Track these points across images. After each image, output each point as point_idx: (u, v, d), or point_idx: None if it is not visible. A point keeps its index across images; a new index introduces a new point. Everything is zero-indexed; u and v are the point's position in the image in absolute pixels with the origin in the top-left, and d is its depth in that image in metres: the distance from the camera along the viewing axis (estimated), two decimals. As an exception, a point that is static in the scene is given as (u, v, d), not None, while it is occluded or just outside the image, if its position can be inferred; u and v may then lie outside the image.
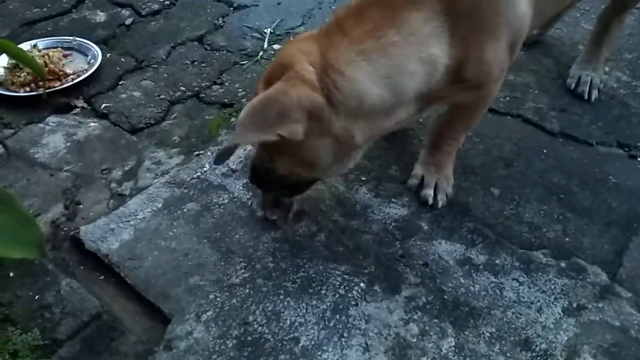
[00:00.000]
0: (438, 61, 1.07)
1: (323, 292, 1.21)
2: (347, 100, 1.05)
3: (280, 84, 1.04)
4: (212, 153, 1.54)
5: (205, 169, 1.49)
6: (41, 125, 1.65)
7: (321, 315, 1.17)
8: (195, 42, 2.01)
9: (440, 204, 1.39)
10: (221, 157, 1.07)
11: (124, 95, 1.77)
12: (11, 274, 1.21)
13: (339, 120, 1.07)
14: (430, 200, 1.39)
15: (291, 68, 1.05)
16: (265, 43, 2.00)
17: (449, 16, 1.04)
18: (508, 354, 1.11)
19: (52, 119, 1.67)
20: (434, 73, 1.08)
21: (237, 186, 1.44)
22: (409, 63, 1.06)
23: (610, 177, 1.49)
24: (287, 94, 1.02)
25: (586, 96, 1.73)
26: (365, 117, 1.09)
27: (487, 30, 1.10)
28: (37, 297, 1.18)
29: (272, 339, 1.13)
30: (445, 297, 1.21)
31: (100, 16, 2.14)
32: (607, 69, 1.83)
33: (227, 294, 1.20)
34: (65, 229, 1.35)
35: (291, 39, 1.17)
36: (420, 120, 1.62)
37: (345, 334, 1.14)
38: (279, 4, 2.24)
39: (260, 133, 1.03)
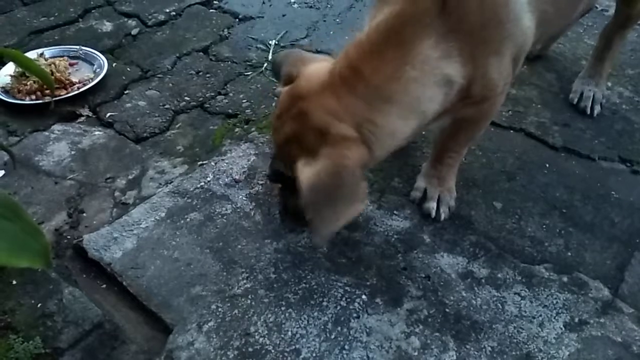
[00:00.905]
0: (453, 80, 1.09)
1: (325, 303, 1.21)
2: (383, 141, 1.09)
3: (335, 157, 1.04)
4: (215, 163, 1.55)
5: (208, 178, 1.50)
6: (46, 133, 1.66)
7: (322, 327, 1.17)
8: (201, 53, 2.03)
9: (442, 217, 1.39)
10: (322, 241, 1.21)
11: (129, 105, 1.78)
12: (14, 282, 1.21)
13: (372, 158, 1.11)
14: (433, 213, 1.39)
15: (327, 131, 1.05)
16: (270, 54, 2.01)
17: (456, 36, 1.06)
18: (509, 369, 1.11)
19: (57, 127, 1.68)
20: (449, 92, 1.10)
21: (240, 196, 1.45)
22: (428, 91, 1.08)
23: (613, 192, 1.50)
24: (347, 168, 1.04)
25: (589, 111, 1.74)
26: (391, 145, 1.13)
27: (492, 47, 1.11)
28: (39, 305, 1.18)
29: (273, 350, 1.13)
30: (447, 310, 1.21)
31: (107, 26, 2.16)
32: (609, 84, 1.84)
33: (228, 304, 1.20)
34: (69, 237, 1.36)
35: (298, 86, 1.13)
36: (423, 132, 1.63)
37: (346, 347, 1.14)
38: (284, 15, 2.26)
39: (355, 208, 1.08)
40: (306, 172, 1.05)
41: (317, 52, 1.96)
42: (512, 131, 1.69)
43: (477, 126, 1.34)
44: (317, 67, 1.14)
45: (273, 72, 1.35)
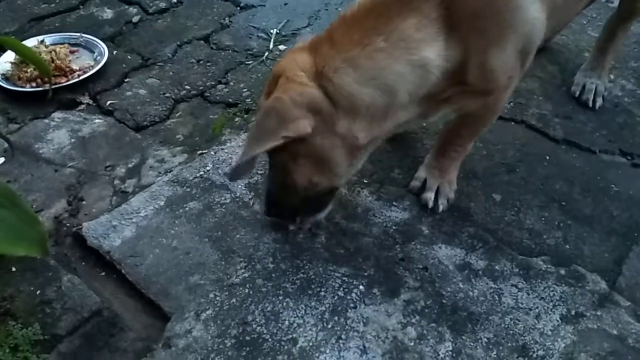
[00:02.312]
0: (430, 64, 1.08)
1: (322, 293, 1.22)
2: (340, 100, 1.08)
3: (274, 94, 1.09)
4: (215, 152, 1.55)
5: (208, 168, 1.50)
6: (46, 120, 1.66)
7: (320, 316, 1.17)
8: (202, 41, 2.02)
9: (440, 209, 1.39)
10: (235, 174, 1.17)
11: (129, 93, 1.78)
12: (13, 269, 1.22)
13: (339, 118, 1.09)
14: (431, 204, 1.39)
15: (283, 77, 1.10)
16: (271, 43, 2.00)
17: (447, 22, 1.05)
18: (505, 360, 1.12)
19: (57, 115, 1.68)
20: (427, 75, 1.09)
21: (239, 186, 1.45)
22: (396, 66, 1.07)
23: (613, 186, 1.49)
24: (280, 99, 1.07)
25: (590, 104, 1.73)
26: (363, 117, 1.11)
27: (490, 37, 1.09)
28: (38, 292, 1.19)
29: (270, 339, 1.13)
30: (444, 301, 1.21)
31: (108, 13, 2.15)
32: (612, 76, 1.83)
33: (226, 293, 1.21)
34: (68, 224, 1.36)
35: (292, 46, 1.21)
36: (424, 124, 1.62)
37: (343, 336, 1.14)
38: (285, 4, 2.24)
39: (266, 141, 1.06)
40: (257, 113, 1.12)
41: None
42: (513, 123, 1.68)
43: (482, 121, 1.34)
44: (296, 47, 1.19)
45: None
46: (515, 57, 1.14)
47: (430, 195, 1.40)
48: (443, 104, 1.19)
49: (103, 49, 1.89)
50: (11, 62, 1.80)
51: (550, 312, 1.20)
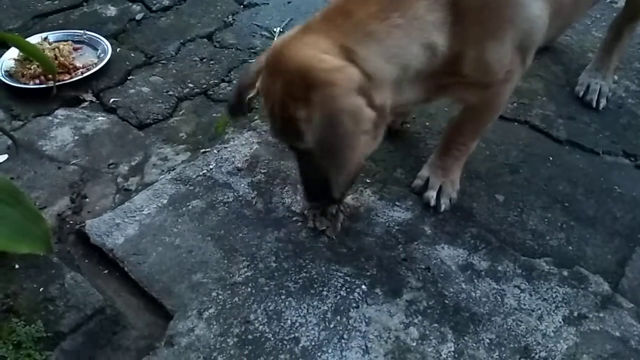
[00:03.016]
0: (438, 48, 1.08)
1: (324, 293, 1.22)
2: (370, 73, 1.05)
3: (323, 92, 1.00)
4: (218, 151, 1.55)
5: (211, 166, 1.50)
6: (50, 118, 1.66)
7: (322, 316, 1.17)
8: (205, 39, 2.02)
9: (442, 208, 1.39)
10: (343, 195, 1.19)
11: (132, 91, 1.78)
12: (16, 266, 1.22)
13: (374, 91, 1.06)
14: (432, 202, 1.39)
15: (313, 70, 1.01)
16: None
17: (454, 10, 1.06)
18: (507, 361, 1.12)
19: (60, 112, 1.68)
20: (433, 59, 1.09)
21: (242, 184, 1.45)
22: (411, 45, 1.07)
23: (616, 187, 1.49)
24: (337, 98, 1.00)
25: (594, 104, 1.72)
26: (386, 90, 1.09)
27: (489, 30, 1.10)
28: (41, 289, 1.19)
29: (272, 338, 1.13)
30: (446, 302, 1.21)
31: (111, 10, 2.15)
32: (616, 77, 1.82)
33: (229, 292, 1.21)
34: (71, 222, 1.36)
35: (280, 39, 1.11)
36: (427, 124, 1.62)
37: (345, 336, 1.14)
38: (289, 2, 2.24)
39: (355, 146, 1.02)
40: (306, 128, 1.02)
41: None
42: (516, 123, 1.68)
43: (483, 117, 1.34)
44: (288, 33, 1.12)
45: (233, 110, 1.28)
46: (514, 52, 1.15)
47: (432, 194, 1.40)
48: (441, 90, 1.20)
49: (106, 46, 1.89)
50: (15, 59, 1.80)
51: (552, 314, 1.20)
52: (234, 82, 1.82)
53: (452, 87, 1.18)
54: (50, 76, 1.73)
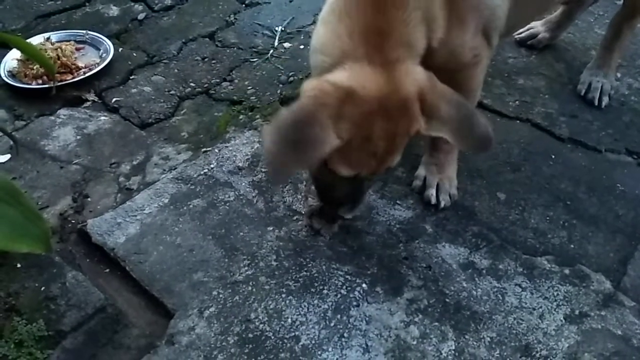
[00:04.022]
0: (433, 40, 1.11)
1: (325, 291, 1.22)
2: None
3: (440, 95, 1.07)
4: (219, 150, 1.55)
5: (212, 165, 1.50)
6: (52, 117, 1.67)
7: (322, 314, 1.17)
8: (207, 39, 2.02)
9: (442, 204, 1.39)
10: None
11: (134, 90, 1.78)
12: (18, 265, 1.23)
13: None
14: (433, 200, 1.39)
15: (425, 88, 1.05)
16: (276, 41, 2.00)
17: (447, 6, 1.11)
18: (508, 360, 1.11)
19: (63, 112, 1.69)
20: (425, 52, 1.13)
21: (243, 184, 1.45)
22: (422, 41, 1.10)
23: (618, 185, 1.48)
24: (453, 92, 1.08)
25: (596, 102, 1.72)
26: None
27: (459, 14, 1.13)
28: (43, 288, 1.20)
29: (273, 337, 1.13)
30: (447, 300, 1.21)
31: (114, 10, 2.15)
32: (618, 75, 1.81)
33: (230, 290, 1.21)
34: (73, 221, 1.37)
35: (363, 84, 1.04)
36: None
37: (345, 334, 1.14)
38: (290, 1, 2.24)
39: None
40: (441, 128, 1.07)
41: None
42: (518, 121, 1.68)
43: None
44: (355, 78, 1.04)
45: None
46: (479, 36, 1.21)
47: (431, 192, 1.40)
48: None
49: (109, 46, 1.89)
50: (17, 60, 1.80)
51: (554, 312, 1.20)
52: (236, 81, 1.82)
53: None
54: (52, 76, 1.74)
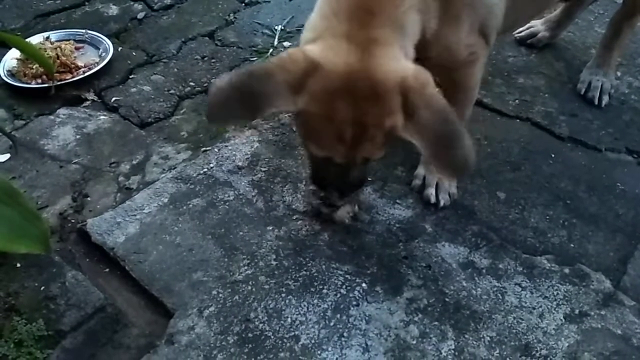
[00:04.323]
0: (427, 31, 1.10)
1: (325, 291, 1.22)
2: None
3: (422, 93, 1.00)
4: (219, 149, 1.55)
5: (211, 165, 1.50)
6: (51, 117, 1.66)
7: (322, 314, 1.17)
8: (206, 38, 2.02)
9: (442, 203, 1.39)
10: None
11: (134, 89, 1.78)
12: (18, 265, 1.23)
13: None
14: (433, 199, 1.39)
15: (407, 80, 0.99)
16: (276, 40, 2.00)
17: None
18: (508, 359, 1.11)
19: (62, 111, 1.69)
20: (419, 42, 1.10)
21: (243, 183, 1.45)
22: (416, 27, 1.07)
23: (618, 184, 1.48)
24: (432, 95, 1.01)
25: (596, 101, 1.72)
26: None
27: (452, 12, 1.12)
28: (42, 288, 1.20)
29: (272, 337, 1.13)
30: (447, 299, 1.21)
31: (113, 9, 2.15)
32: (618, 74, 1.81)
33: (229, 290, 1.21)
34: (73, 221, 1.37)
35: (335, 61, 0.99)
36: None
37: (345, 334, 1.14)
38: (290, 0, 2.24)
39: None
40: (415, 134, 1.00)
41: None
42: (518, 120, 1.67)
43: (458, 101, 1.31)
44: (324, 50, 1.00)
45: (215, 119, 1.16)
46: (476, 35, 1.20)
47: (431, 191, 1.40)
48: None
49: (108, 45, 1.89)
50: (17, 59, 1.80)
51: (554, 311, 1.19)
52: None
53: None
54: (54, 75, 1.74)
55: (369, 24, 0.99)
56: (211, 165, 1.50)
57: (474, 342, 1.14)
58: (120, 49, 1.93)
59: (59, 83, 1.72)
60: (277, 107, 1.02)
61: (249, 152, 1.53)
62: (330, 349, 1.12)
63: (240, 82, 1.01)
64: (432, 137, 1.00)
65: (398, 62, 1.01)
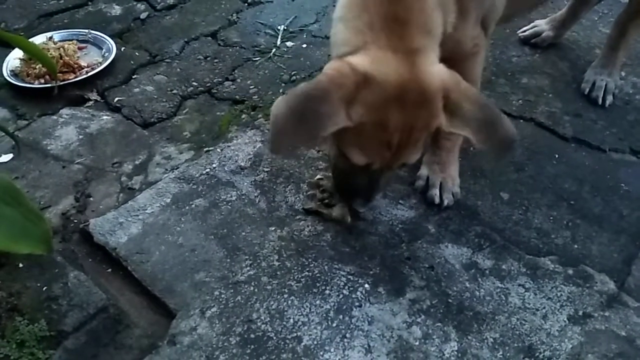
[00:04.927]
0: (447, 29, 1.14)
1: (327, 292, 1.21)
2: None
3: (459, 89, 1.07)
4: (221, 149, 1.55)
5: (214, 165, 1.50)
6: (54, 117, 1.66)
7: (324, 315, 1.17)
8: (209, 38, 2.02)
9: (446, 203, 1.39)
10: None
11: (137, 90, 1.78)
12: (20, 265, 1.23)
13: None
14: (437, 200, 1.39)
15: (449, 83, 1.06)
16: (279, 40, 2.00)
17: None
18: (511, 361, 1.11)
19: (65, 111, 1.69)
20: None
21: (245, 183, 1.45)
22: (440, 29, 1.11)
23: (622, 184, 1.47)
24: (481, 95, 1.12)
25: (600, 101, 1.71)
26: None
27: (464, 4, 1.15)
28: (45, 288, 1.20)
29: (275, 337, 1.13)
30: (450, 301, 1.21)
31: (116, 9, 2.15)
32: (623, 74, 1.80)
33: (232, 291, 1.21)
34: (75, 221, 1.37)
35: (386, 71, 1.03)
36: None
37: (347, 335, 1.14)
38: (293, 0, 2.23)
39: None
40: (462, 127, 1.07)
41: (327, 38, 1.93)
42: (522, 121, 1.67)
43: None
44: (371, 63, 1.03)
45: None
46: (479, 27, 1.24)
47: (435, 192, 1.39)
48: None
49: (111, 45, 1.89)
50: (20, 59, 1.81)
51: (557, 313, 1.19)
52: (238, 80, 1.82)
53: None
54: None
55: (404, 34, 1.04)
56: (214, 165, 1.50)
57: (477, 344, 1.13)
58: (123, 49, 1.93)
59: (61, 83, 1.72)
60: (337, 125, 1.02)
61: (251, 152, 1.53)
62: (332, 350, 1.11)
63: (300, 105, 1.01)
64: (477, 126, 1.07)
65: (436, 67, 1.07)
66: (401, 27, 1.03)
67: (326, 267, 1.26)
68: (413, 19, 1.04)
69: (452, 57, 1.21)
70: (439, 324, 1.16)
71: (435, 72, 1.05)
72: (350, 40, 1.07)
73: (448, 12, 1.12)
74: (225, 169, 1.49)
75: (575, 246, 1.32)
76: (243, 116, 1.67)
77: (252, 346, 1.12)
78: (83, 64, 1.83)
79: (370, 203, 1.32)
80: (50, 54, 1.76)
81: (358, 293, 1.21)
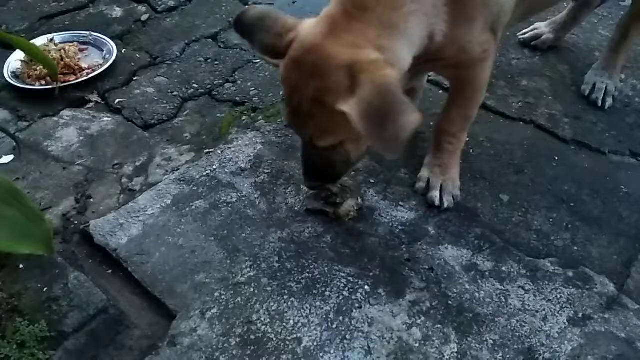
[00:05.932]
0: (435, 32, 1.13)
1: (327, 293, 1.21)
2: (395, 64, 1.07)
3: (371, 77, 1.01)
4: (222, 151, 1.55)
5: (214, 166, 1.50)
6: (55, 118, 1.67)
7: (324, 316, 1.17)
8: (210, 40, 2.03)
9: (446, 205, 1.39)
10: (397, 153, 1.08)
11: (137, 91, 1.78)
12: (21, 266, 1.23)
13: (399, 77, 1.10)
14: (437, 202, 1.39)
15: (356, 61, 1.02)
16: (279, 42, 2.00)
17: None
18: (511, 362, 1.11)
19: (66, 113, 1.69)
20: (430, 44, 1.14)
21: (246, 185, 1.45)
22: (422, 32, 1.11)
23: (622, 187, 1.48)
24: (388, 80, 1.01)
25: (600, 103, 1.71)
26: (403, 78, 1.13)
27: (466, 12, 1.15)
28: (45, 289, 1.20)
29: (275, 339, 1.13)
30: (450, 302, 1.21)
31: (117, 11, 2.16)
32: (623, 76, 1.80)
33: (232, 292, 1.21)
34: (76, 222, 1.37)
35: (310, 35, 1.08)
36: (431, 124, 1.61)
37: (347, 336, 1.14)
38: (294, 2, 2.24)
39: (406, 122, 1.02)
40: (352, 105, 1.00)
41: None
42: (521, 123, 1.67)
43: (468, 99, 1.36)
44: (309, 25, 1.11)
45: (239, 30, 1.23)
46: (487, 32, 1.22)
47: (435, 194, 1.40)
48: (422, 73, 1.30)
49: (112, 47, 1.90)
50: (21, 61, 1.81)
51: (557, 315, 1.19)
52: (238, 82, 1.82)
53: (435, 69, 1.31)
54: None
55: (356, 15, 1.06)
56: (214, 167, 1.50)
57: (477, 345, 1.13)
58: (124, 51, 1.94)
59: (62, 85, 1.73)
60: (270, 47, 1.14)
61: (252, 154, 1.54)
62: (332, 351, 1.11)
63: (259, 16, 1.18)
64: (367, 110, 1.00)
65: (357, 49, 1.04)
66: (356, 9, 1.06)
67: (326, 269, 1.26)
68: (372, 9, 1.05)
69: (461, 64, 1.24)
70: (439, 325, 1.16)
71: (351, 51, 1.03)
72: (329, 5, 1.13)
73: (437, 21, 1.11)
74: (226, 170, 1.49)
75: (575, 248, 1.33)
76: (243, 118, 1.68)
77: (252, 347, 1.12)
78: (84, 65, 1.84)
79: (312, 182, 1.28)
80: (51, 56, 1.77)
81: (358, 294, 1.21)
